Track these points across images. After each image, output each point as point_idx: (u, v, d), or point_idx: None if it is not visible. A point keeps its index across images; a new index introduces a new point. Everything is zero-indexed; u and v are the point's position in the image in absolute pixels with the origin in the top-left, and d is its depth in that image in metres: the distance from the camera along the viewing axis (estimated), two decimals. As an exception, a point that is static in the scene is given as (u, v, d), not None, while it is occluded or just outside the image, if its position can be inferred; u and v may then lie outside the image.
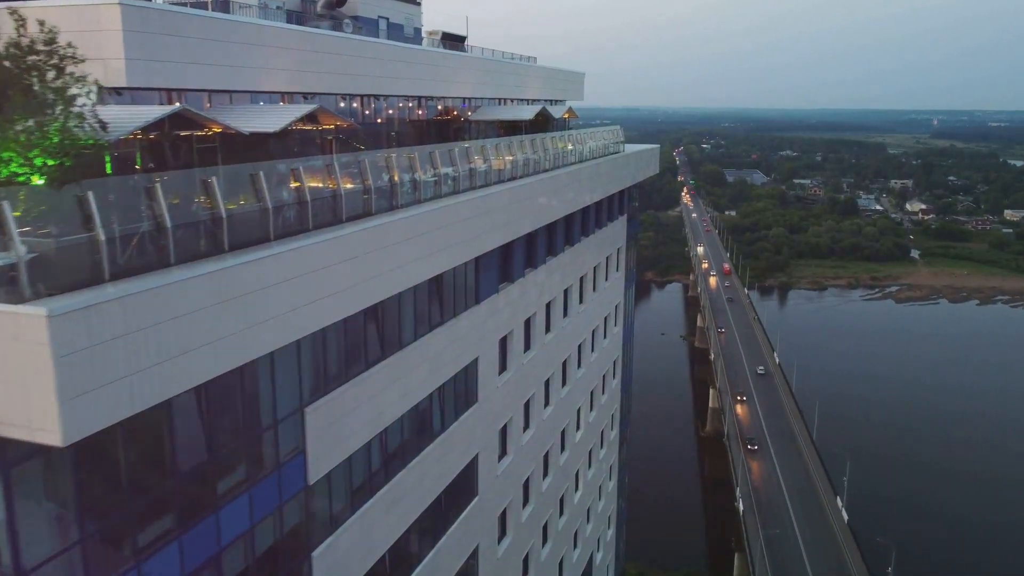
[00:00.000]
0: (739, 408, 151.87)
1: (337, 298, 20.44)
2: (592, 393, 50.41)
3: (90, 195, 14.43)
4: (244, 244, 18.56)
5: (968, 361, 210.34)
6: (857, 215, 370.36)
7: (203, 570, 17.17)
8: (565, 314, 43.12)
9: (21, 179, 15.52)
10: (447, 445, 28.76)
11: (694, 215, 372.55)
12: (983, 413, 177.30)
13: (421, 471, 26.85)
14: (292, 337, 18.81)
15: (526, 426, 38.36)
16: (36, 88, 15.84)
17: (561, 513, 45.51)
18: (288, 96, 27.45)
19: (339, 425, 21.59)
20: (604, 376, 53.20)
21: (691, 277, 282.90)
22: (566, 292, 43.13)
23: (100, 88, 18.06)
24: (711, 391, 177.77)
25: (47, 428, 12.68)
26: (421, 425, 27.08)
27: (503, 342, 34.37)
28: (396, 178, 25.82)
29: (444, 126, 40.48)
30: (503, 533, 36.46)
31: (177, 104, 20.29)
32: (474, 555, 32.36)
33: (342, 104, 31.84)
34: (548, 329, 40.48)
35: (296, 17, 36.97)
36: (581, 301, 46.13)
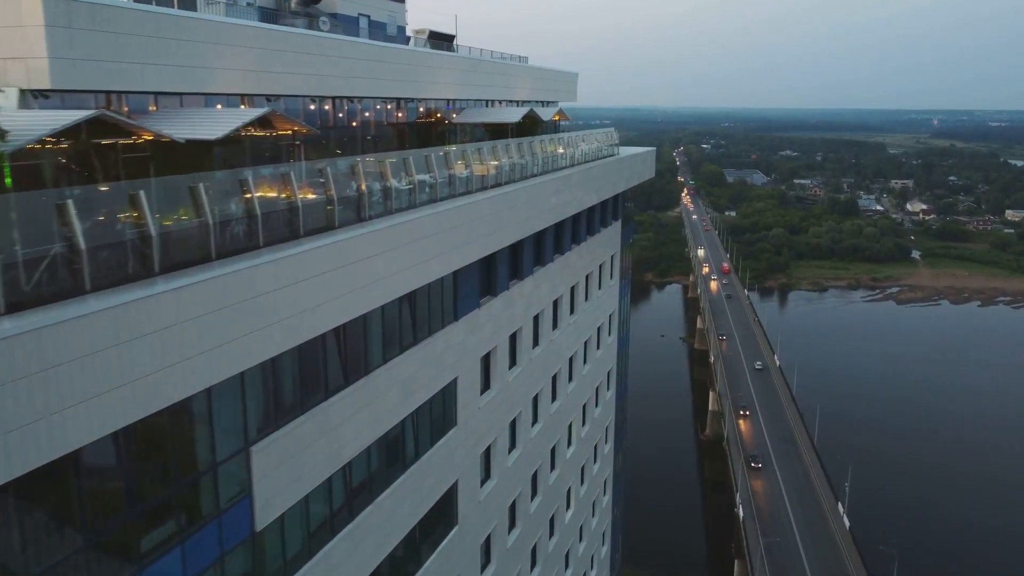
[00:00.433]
0: (742, 423, 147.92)
1: (289, 324, 18.38)
2: (584, 407, 48.32)
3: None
4: (180, 265, 16.53)
5: (970, 363, 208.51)
6: (858, 215, 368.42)
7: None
8: (555, 326, 41.03)
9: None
10: (422, 474, 26.68)
11: (694, 217, 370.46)
12: (986, 415, 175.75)
13: (392, 504, 24.78)
14: (233, 370, 16.75)
15: (512, 446, 36.28)
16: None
17: (551, 534, 43.44)
18: (249, 99, 25.39)
19: (293, 462, 19.51)
20: (598, 388, 51.10)
21: (691, 278, 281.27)
22: (556, 303, 41.04)
23: (22, 91, 16.07)
24: (711, 394, 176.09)
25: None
26: (392, 454, 24.99)
27: (485, 359, 32.28)
28: (364, 187, 23.76)
29: (426, 129, 38.43)
30: (487, 560, 34.39)
31: (95, 108, 18.12)
32: (455, 587, 30.36)
33: (312, 107, 29.79)
34: (536, 343, 38.38)
35: (270, 15, 34.89)
36: (572, 312, 44.03)
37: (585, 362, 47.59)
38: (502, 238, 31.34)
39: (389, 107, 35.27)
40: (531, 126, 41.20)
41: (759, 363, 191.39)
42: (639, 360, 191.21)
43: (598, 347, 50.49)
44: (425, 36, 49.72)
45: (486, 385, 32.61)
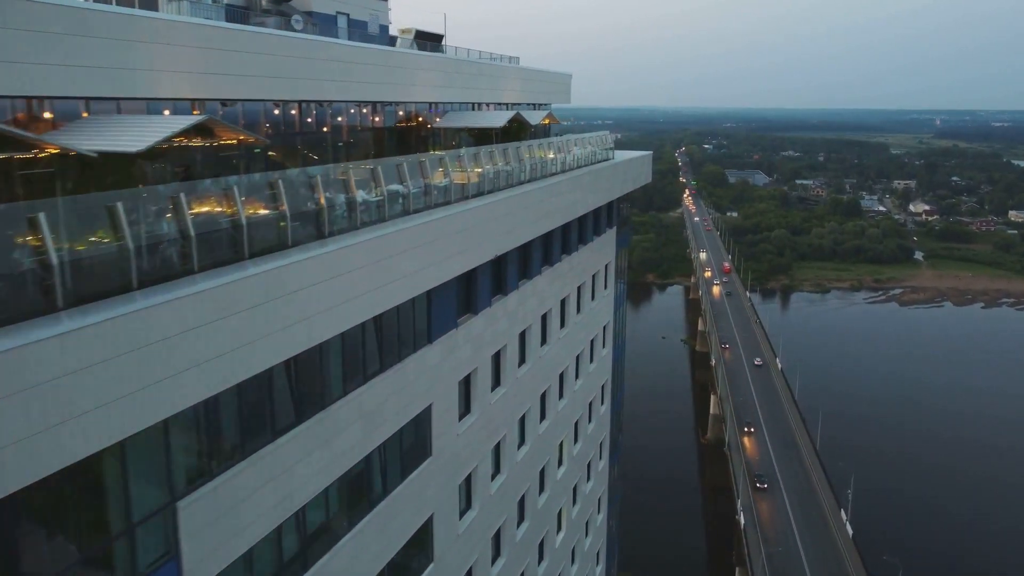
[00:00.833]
0: (746, 440, 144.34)
1: (225, 361, 16.19)
2: (577, 424, 46.06)
3: None
4: (94, 297, 14.35)
5: (975, 364, 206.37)
6: (860, 216, 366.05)
7: None
8: (543, 342, 38.79)
9: None
10: (391, 511, 24.44)
11: (696, 219, 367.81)
12: (990, 416, 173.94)
13: (356, 547, 22.54)
14: (151, 418, 14.55)
15: (496, 472, 34.04)
16: None
17: (541, 560, 41.22)
18: (200, 104, 23.21)
19: (232, 514, 17.30)
20: (591, 403, 48.84)
21: (692, 279, 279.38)
22: (544, 317, 38.79)
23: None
24: (712, 398, 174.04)
25: None
26: (355, 494, 22.76)
27: (465, 382, 30.04)
28: (323, 200, 21.55)
29: (406, 135, 36.23)
30: (469, 594, 32.18)
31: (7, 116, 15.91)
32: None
33: (277, 112, 27.61)
34: (522, 361, 36.14)
35: (239, 13, 32.72)
36: (563, 326, 41.78)
37: (577, 377, 45.37)
38: (483, 252, 29.09)
39: (365, 111, 33.08)
40: (518, 130, 38.96)
41: (758, 359, 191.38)
42: (640, 361, 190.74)
43: (591, 360, 48.25)
44: (411, 36, 47.57)
45: (465, 409, 30.39)
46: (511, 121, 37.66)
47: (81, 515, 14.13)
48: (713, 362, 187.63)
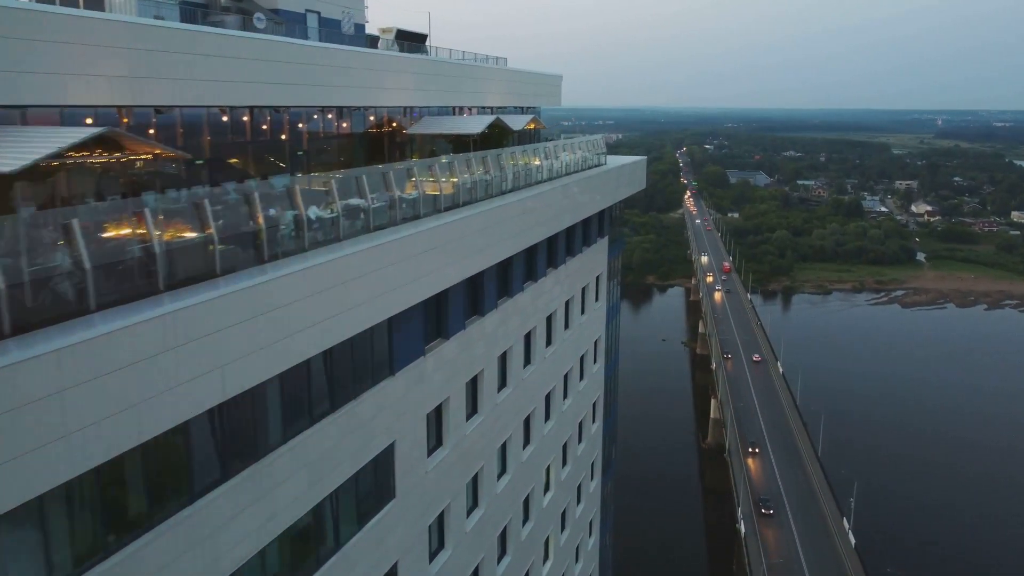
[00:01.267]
0: (751, 461, 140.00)
1: (131, 415, 13.71)
2: (566, 446, 43.49)
3: None
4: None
5: (978, 367, 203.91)
6: (862, 217, 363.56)
7: None
8: (527, 363, 36.19)
9: None
10: (346, 565, 21.87)
11: (697, 221, 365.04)
12: (996, 417, 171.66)
13: (303, 610, 20.04)
14: (31, 492, 12.07)
15: (473, 506, 31.48)
16: None
17: (525, 593, 38.69)
18: (127, 111, 20.67)
19: (140, 593, 14.79)
20: (581, 423, 46.26)
21: (692, 281, 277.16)
22: (528, 336, 36.21)
23: None
24: (712, 402, 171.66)
25: None
26: (300, 551, 20.21)
27: (436, 414, 27.49)
28: (260, 220, 19.02)
29: (377, 142, 33.63)
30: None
31: None
32: None
33: (225, 119, 25.06)
34: (503, 385, 33.57)
35: (195, 12, 30.12)
36: (549, 343, 39.19)
37: (566, 397, 42.79)
38: (455, 272, 26.53)
39: (330, 116, 30.51)
40: (500, 136, 36.37)
41: (756, 355, 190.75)
42: (640, 365, 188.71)
43: (581, 378, 45.67)
44: (392, 35, 45.08)
45: (437, 442, 27.83)
46: (491, 126, 35.07)
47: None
48: (714, 366, 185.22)
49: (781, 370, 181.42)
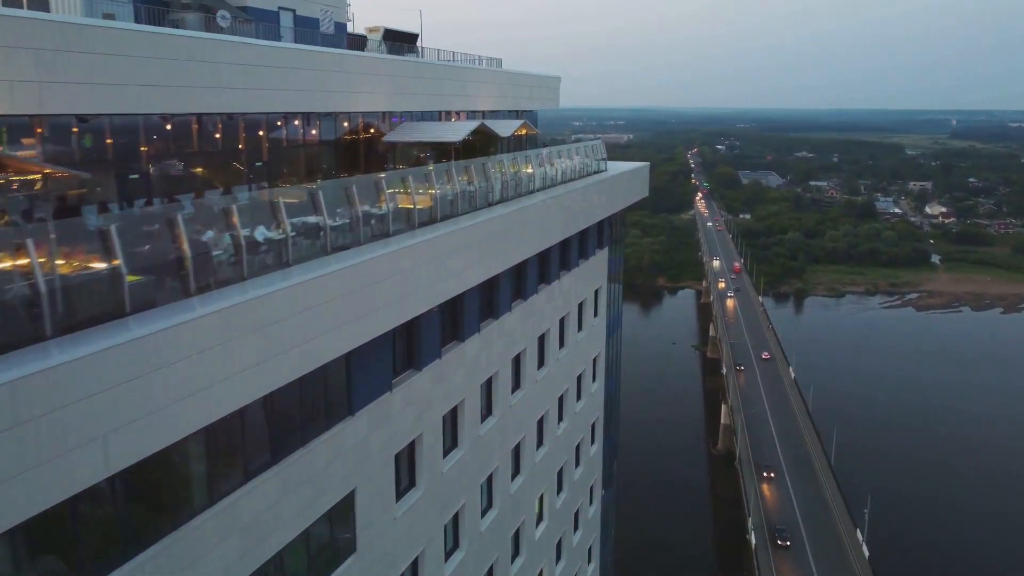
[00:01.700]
0: (766, 488, 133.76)
1: (25, 482, 11.19)
2: (561, 471, 40.79)
3: None
4: None
5: (995, 371, 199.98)
6: (875, 218, 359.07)
7: None
8: (515, 388, 33.51)
9: None
10: (294, 635, 19.28)
11: (709, 224, 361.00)
12: (1018, 420, 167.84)
13: None
14: None
15: (454, 548, 28.82)
16: None
17: (515, 634, 35.96)
18: (42, 120, 18.13)
19: None
20: (578, 446, 43.54)
21: (703, 283, 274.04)
22: (518, 359, 33.54)
23: None
24: (723, 407, 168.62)
25: None
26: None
27: (408, 452, 24.84)
28: (184, 246, 16.39)
29: (351, 151, 31.00)
30: None
31: None
32: None
33: (168, 127, 22.50)
34: (488, 413, 30.91)
35: (155, 11, 27.60)
36: (541, 365, 36.49)
37: (561, 420, 40.09)
38: (429, 296, 23.81)
39: (296, 123, 27.91)
40: (485, 143, 33.67)
41: (765, 353, 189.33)
42: (651, 368, 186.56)
43: (579, 398, 42.94)
44: (379, 35, 42.58)
45: (409, 484, 25.19)
46: (475, 133, 32.37)
47: None
48: (724, 371, 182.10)
49: (793, 375, 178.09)
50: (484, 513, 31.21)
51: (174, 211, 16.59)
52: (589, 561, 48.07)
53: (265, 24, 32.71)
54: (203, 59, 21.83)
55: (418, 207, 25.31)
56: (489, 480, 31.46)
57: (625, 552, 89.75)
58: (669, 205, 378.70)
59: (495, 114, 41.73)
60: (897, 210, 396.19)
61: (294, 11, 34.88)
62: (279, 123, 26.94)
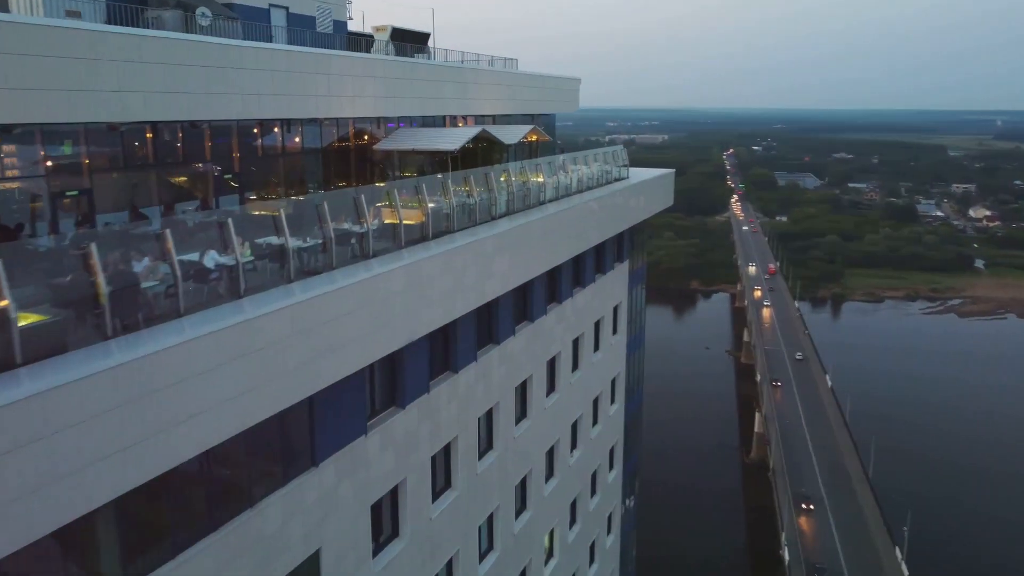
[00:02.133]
0: (803, 521, 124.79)
1: None
2: (575, 502, 37.99)
3: None
4: None
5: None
6: (916, 222, 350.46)
7: None
8: (521, 418, 30.79)
9: None
10: None
11: (745, 228, 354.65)
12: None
13: None
14: None
15: (447, 597, 26.19)
16: None
17: None
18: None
19: None
20: (595, 474, 40.69)
21: (738, 287, 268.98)
22: (523, 386, 30.81)
23: None
24: (756, 415, 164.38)
25: None
26: None
27: (391, 499, 22.24)
28: (99, 278, 13.90)
29: (342, 160, 28.52)
30: None
31: None
32: None
33: (117, 137, 20.12)
34: (489, 447, 28.24)
35: (131, 8, 25.34)
36: (551, 392, 33.71)
37: (574, 448, 37.29)
38: (415, 327, 21.17)
39: (276, 130, 25.47)
40: (489, 151, 30.97)
41: (799, 354, 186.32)
42: (683, 372, 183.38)
43: (595, 423, 40.12)
44: (387, 34, 40.14)
45: (392, 533, 22.59)
46: (476, 140, 29.71)
47: None
48: (759, 378, 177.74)
49: (830, 383, 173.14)
50: (483, 557, 28.52)
51: (88, 238, 14.14)
52: (607, 593, 45.18)
53: (254, 23, 30.42)
54: (154, 60, 19.40)
55: (406, 223, 22.72)
56: (489, 520, 28.78)
57: (649, 568, 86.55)
58: (704, 207, 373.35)
59: (507, 119, 39.04)
60: (939, 213, 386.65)
61: (287, 9, 32.52)
62: (254, 130, 24.49)
